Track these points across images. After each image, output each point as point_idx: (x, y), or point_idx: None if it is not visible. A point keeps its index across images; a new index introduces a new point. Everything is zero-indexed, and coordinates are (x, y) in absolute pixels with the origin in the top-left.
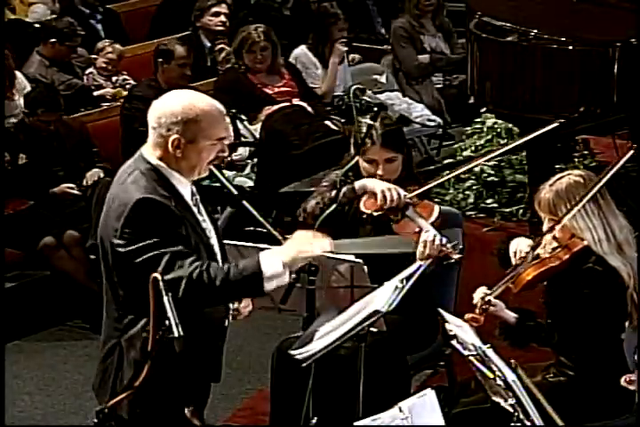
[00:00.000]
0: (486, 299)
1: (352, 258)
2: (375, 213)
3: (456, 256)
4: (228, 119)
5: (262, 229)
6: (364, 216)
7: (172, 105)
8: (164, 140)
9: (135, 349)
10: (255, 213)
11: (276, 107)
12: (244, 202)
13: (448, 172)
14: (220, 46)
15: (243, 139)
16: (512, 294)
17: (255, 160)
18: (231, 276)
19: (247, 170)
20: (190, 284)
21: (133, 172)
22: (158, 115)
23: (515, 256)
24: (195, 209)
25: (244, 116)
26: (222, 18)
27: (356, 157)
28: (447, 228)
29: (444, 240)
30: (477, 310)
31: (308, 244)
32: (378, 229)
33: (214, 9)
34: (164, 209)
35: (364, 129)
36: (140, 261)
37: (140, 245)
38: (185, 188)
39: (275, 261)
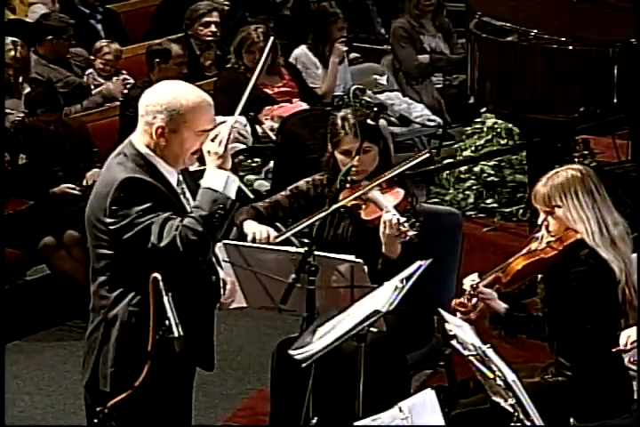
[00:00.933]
0: (474, 284)
1: (352, 258)
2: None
3: (410, 233)
4: (213, 111)
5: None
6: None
7: (159, 94)
8: (150, 128)
9: (120, 323)
10: None
11: (293, 109)
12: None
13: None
14: (207, 53)
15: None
16: (502, 283)
17: (271, 163)
18: (201, 212)
19: (262, 174)
20: (182, 240)
21: (120, 155)
22: (146, 103)
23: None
24: (181, 197)
25: (271, 121)
26: (212, 28)
27: (356, 158)
28: (447, 227)
29: (402, 219)
30: (465, 296)
31: (212, 145)
32: (353, 222)
33: (205, 19)
34: (151, 186)
35: (338, 120)
36: (133, 233)
37: (130, 219)
38: (172, 175)
39: (215, 175)
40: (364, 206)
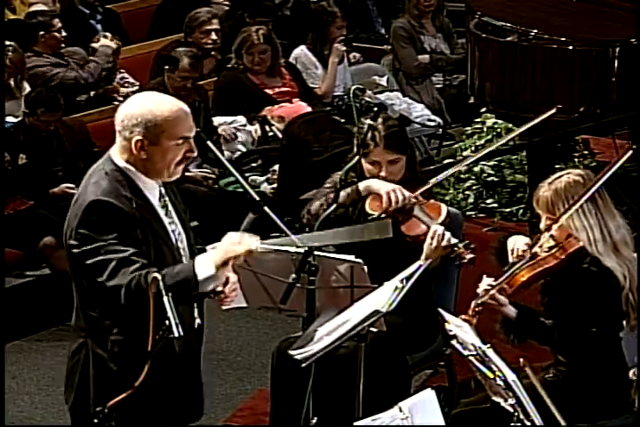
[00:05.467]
0: (479, 301)
1: (352, 258)
2: (382, 215)
3: (469, 256)
4: (190, 119)
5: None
6: (369, 218)
7: (132, 107)
8: (128, 143)
9: (102, 349)
10: (276, 218)
11: (302, 111)
12: (266, 208)
13: (451, 170)
14: (207, 60)
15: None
16: (507, 294)
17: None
18: (167, 280)
19: (266, 175)
20: (128, 292)
21: (99, 172)
22: (121, 117)
23: (512, 254)
24: (162, 211)
25: (273, 121)
26: (213, 36)
27: (356, 158)
28: (447, 227)
29: (455, 241)
30: (470, 312)
31: (235, 244)
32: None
33: (205, 27)
34: (118, 212)
35: (368, 130)
36: (90, 263)
37: (91, 247)
38: (151, 190)
39: (207, 264)
40: (401, 219)
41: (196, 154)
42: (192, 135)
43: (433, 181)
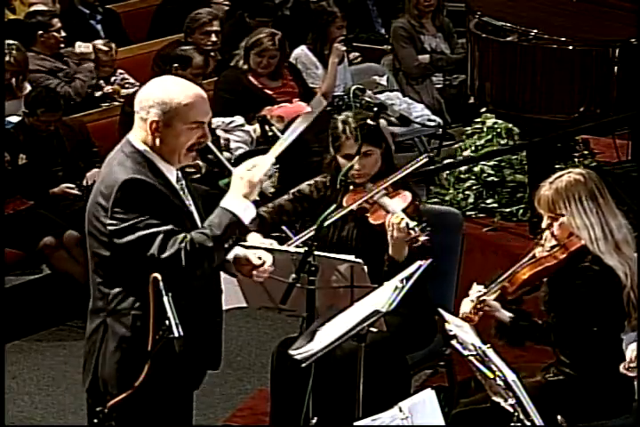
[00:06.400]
0: (481, 299)
1: (352, 258)
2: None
3: (423, 238)
4: (207, 104)
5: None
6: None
7: (151, 89)
8: (145, 124)
9: (122, 325)
10: None
11: (302, 110)
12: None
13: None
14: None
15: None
16: (508, 292)
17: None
18: (215, 233)
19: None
20: (189, 254)
21: (119, 155)
22: (140, 99)
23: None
24: (181, 193)
25: (274, 122)
26: (213, 37)
27: (356, 158)
28: (447, 227)
29: (412, 224)
30: (472, 310)
31: (251, 170)
32: (358, 224)
33: (206, 28)
34: (152, 188)
35: (339, 124)
36: (133, 239)
37: (132, 223)
38: (170, 172)
39: (239, 201)
40: (370, 210)
41: (209, 140)
42: (207, 121)
43: (403, 172)
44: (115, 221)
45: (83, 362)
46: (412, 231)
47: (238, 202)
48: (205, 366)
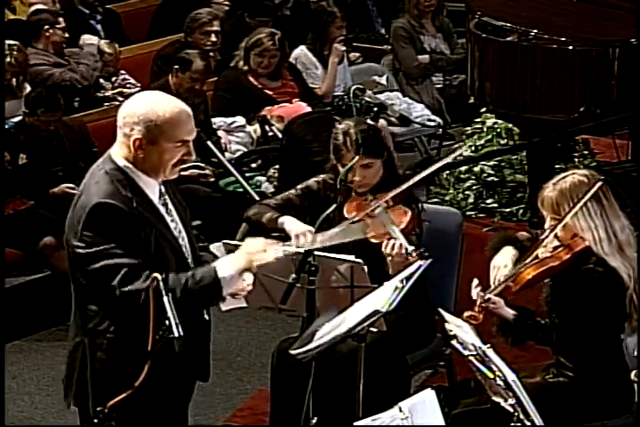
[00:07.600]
0: (486, 297)
1: (352, 258)
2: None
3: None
4: (192, 122)
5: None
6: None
7: (135, 105)
8: (127, 140)
9: (98, 348)
10: None
11: (302, 111)
12: None
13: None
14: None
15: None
16: (512, 292)
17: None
18: (189, 286)
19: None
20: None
21: (99, 172)
22: (123, 114)
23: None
24: (162, 209)
25: (274, 122)
26: (213, 37)
27: (356, 158)
28: (447, 227)
29: (410, 249)
30: (476, 308)
31: (260, 251)
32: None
33: (206, 28)
34: (122, 214)
35: (340, 135)
36: (98, 267)
37: (98, 249)
38: (152, 188)
39: (230, 270)
40: (369, 223)
41: (193, 158)
42: (191, 139)
43: (404, 186)
44: (82, 244)
45: (64, 379)
46: (409, 257)
47: (230, 271)
48: (194, 377)
